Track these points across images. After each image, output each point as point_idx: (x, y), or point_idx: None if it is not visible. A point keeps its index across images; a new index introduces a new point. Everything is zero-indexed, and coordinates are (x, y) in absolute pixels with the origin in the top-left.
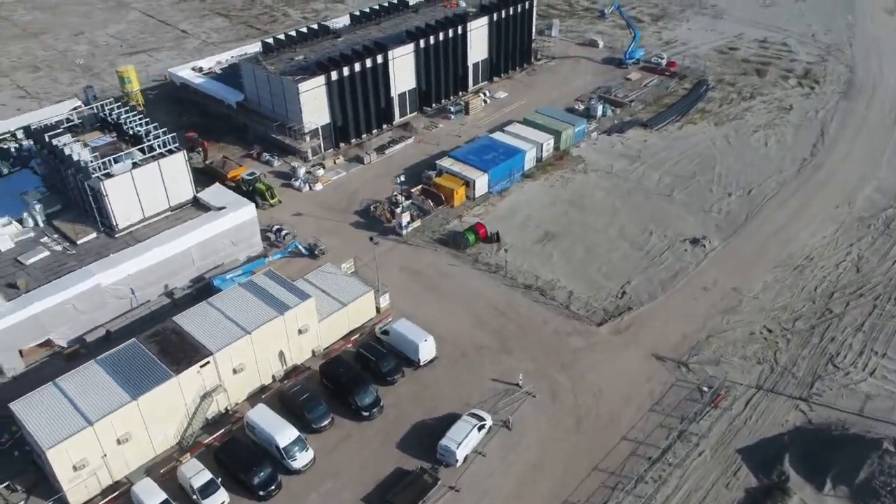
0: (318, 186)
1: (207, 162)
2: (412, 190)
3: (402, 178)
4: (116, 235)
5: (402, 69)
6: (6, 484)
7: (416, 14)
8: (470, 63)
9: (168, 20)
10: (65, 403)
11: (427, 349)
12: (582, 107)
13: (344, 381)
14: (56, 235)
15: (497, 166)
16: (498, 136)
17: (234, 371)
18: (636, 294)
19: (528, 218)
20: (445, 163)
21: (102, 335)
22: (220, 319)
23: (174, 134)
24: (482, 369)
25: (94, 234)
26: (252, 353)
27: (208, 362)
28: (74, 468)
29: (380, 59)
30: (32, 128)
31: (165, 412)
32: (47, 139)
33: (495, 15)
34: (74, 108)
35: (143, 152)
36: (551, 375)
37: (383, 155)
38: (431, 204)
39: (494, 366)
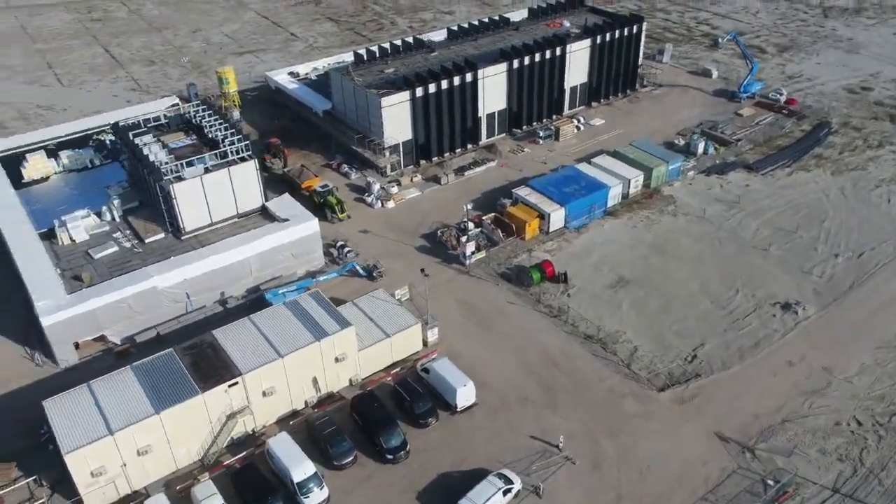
0: (391, 204)
1: (286, 170)
2: (483, 217)
3: (470, 206)
4: (182, 238)
5: (493, 89)
6: (34, 477)
7: (516, 32)
8: (567, 86)
9: (281, 22)
10: (92, 408)
11: (465, 395)
12: (682, 141)
13: (372, 419)
14: (128, 232)
15: (576, 200)
16: (584, 167)
17: (264, 394)
18: (709, 360)
19: (602, 259)
20: (522, 191)
21: (153, 336)
22: (256, 338)
23: (248, 142)
24: (522, 424)
25: (161, 235)
26: (284, 376)
27: (236, 382)
28: (92, 474)
29: (469, 77)
30: (120, 124)
31: (189, 428)
32: (130, 137)
33: (599, 38)
34: (171, 106)
35: (218, 158)
36: (597, 441)
37: (462, 177)
38: (501, 234)
39: (536, 422)
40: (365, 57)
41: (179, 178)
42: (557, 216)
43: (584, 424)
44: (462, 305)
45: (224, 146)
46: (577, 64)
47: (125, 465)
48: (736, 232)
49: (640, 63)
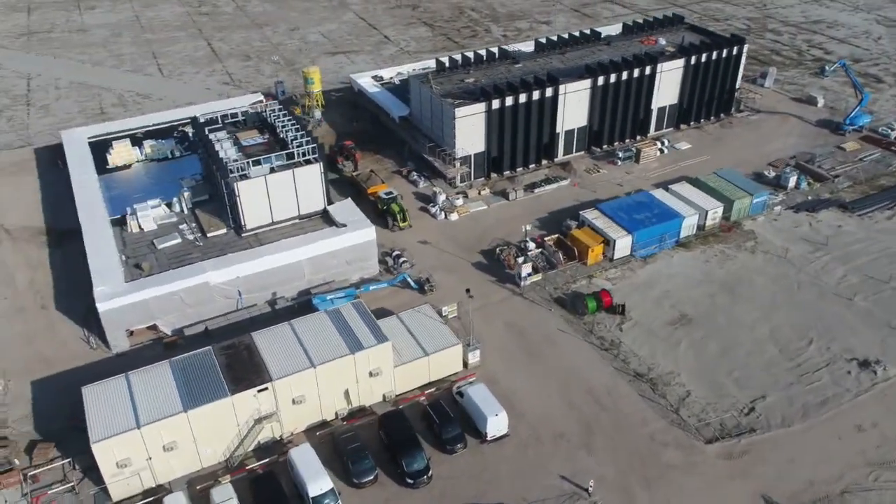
0: (454, 216)
1: (355, 173)
2: (546, 238)
3: (529, 227)
4: (243, 235)
5: (574, 105)
6: (69, 460)
7: (607, 47)
8: (655, 107)
9: (377, 24)
10: (125, 399)
11: (496, 424)
12: (773, 173)
13: (397, 439)
14: (194, 224)
15: (646, 228)
16: (659, 193)
17: (294, 401)
18: (767, 414)
19: (666, 293)
20: (590, 214)
21: (202, 331)
22: (293, 344)
23: (314, 145)
24: (553, 462)
25: (223, 230)
26: (315, 386)
27: (266, 388)
28: (118, 465)
29: (549, 91)
30: (199, 119)
31: (216, 428)
32: (206, 132)
33: (693, 58)
34: (255, 103)
35: (286, 158)
36: (630, 490)
37: (531, 193)
38: (562, 257)
39: (568, 461)
40: (447, 65)
41: (245, 176)
42: (623, 243)
43: (619, 470)
44: (510, 329)
45: (292, 147)
46: (668, 84)
47: (150, 458)
48: (819, 276)
49: (737, 86)
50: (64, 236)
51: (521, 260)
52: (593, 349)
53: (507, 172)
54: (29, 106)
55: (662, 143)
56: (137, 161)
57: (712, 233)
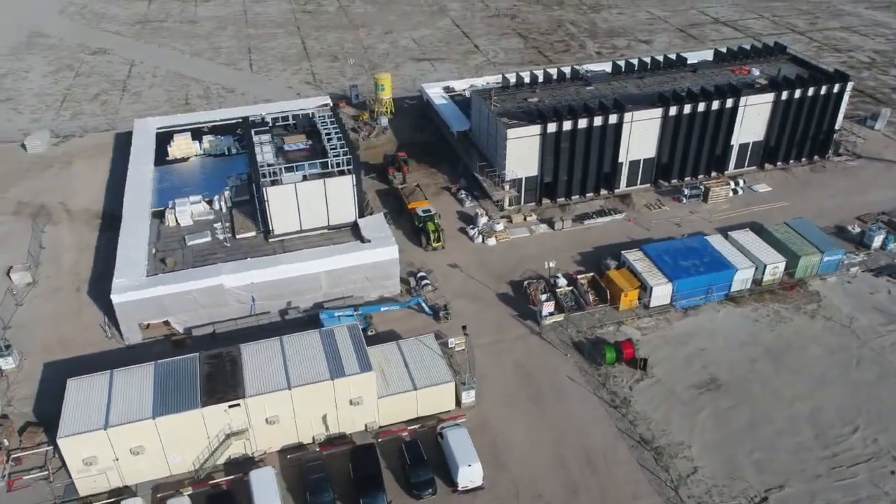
0: (492, 241)
1: (401, 186)
2: (579, 276)
3: (554, 265)
4: (270, 240)
5: (641, 135)
6: (52, 447)
7: (692, 74)
8: (736, 143)
9: (471, 32)
10: (103, 397)
11: (468, 475)
12: (858, 229)
13: (361, 476)
14: (228, 224)
15: (690, 277)
16: (715, 240)
17: (267, 421)
18: None
19: (699, 352)
20: (632, 255)
21: (210, 332)
22: (276, 362)
23: (350, 156)
24: None
25: (252, 233)
26: (290, 407)
27: (238, 404)
28: (84, 462)
29: (613, 119)
30: (250, 119)
31: (185, 438)
32: (252, 133)
33: (785, 93)
34: (321, 106)
35: (319, 167)
36: None
37: (580, 225)
38: (592, 298)
39: None
40: (513, 82)
41: (276, 182)
42: (661, 291)
43: None
44: (519, 370)
45: (329, 156)
46: (753, 119)
47: (117, 460)
48: (885, 354)
49: (837, 127)
50: (116, 221)
51: (543, 297)
52: (601, 405)
53: (561, 199)
54: (124, 92)
55: (737, 183)
56: (196, 155)
57: (770, 290)
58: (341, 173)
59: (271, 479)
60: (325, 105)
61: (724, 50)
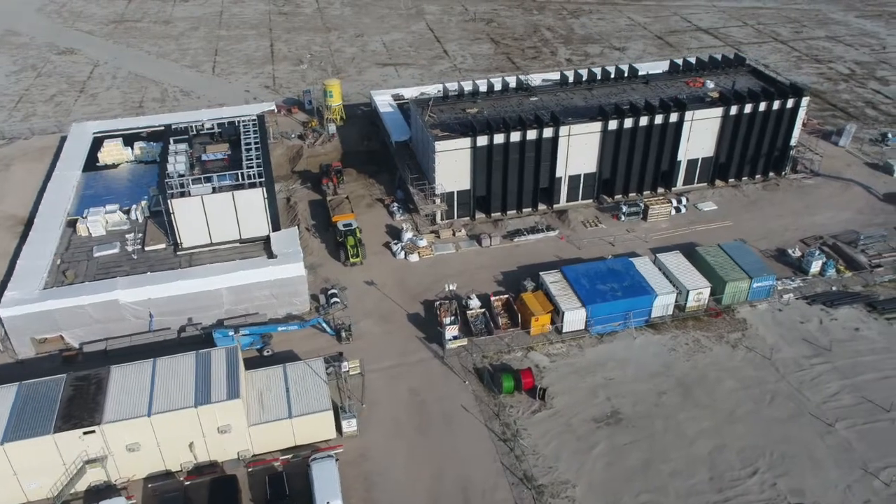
0: (414, 258)
1: (329, 198)
2: (493, 298)
3: (454, 287)
4: (178, 253)
5: (580, 149)
6: None
7: (644, 86)
8: (683, 158)
9: (443, 37)
10: None
11: None
12: (799, 253)
13: None
14: (140, 235)
15: (606, 303)
16: (641, 262)
17: (128, 448)
18: None
19: (606, 383)
20: (549, 277)
21: (101, 349)
22: (143, 386)
23: (261, 169)
24: None
25: (163, 245)
26: (152, 435)
27: (93, 431)
28: None
29: (548, 132)
30: (172, 127)
31: (39, 464)
32: (171, 142)
33: (734, 108)
34: (267, 112)
35: (237, 179)
36: None
37: (510, 242)
38: (503, 322)
39: None
40: (457, 91)
41: (182, 194)
42: (574, 317)
43: None
44: (412, 397)
45: (243, 167)
46: (701, 134)
47: None
48: (803, 389)
49: (793, 143)
50: None
51: (447, 321)
52: (490, 437)
53: (496, 215)
54: (81, 93)
55: (679, 201)
56: (127, 162)
57: (695, 315)
58: (252, 185)
59: None
60: (270, 111)
61: (691, 60)
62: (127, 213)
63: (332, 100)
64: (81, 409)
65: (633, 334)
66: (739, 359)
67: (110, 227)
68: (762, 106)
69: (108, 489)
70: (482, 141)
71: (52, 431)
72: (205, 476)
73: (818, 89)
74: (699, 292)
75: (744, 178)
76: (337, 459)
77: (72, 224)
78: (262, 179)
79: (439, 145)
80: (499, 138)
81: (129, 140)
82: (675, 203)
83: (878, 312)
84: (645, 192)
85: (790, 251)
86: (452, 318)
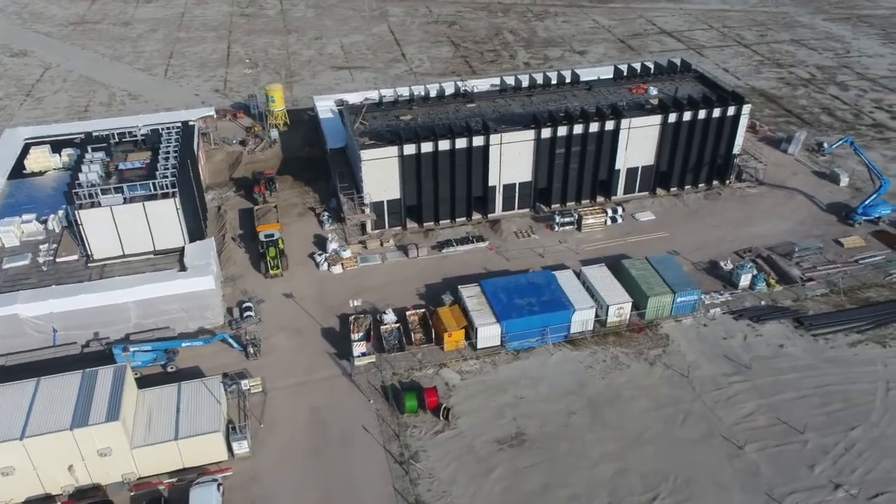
0: (337, 269)
1: (256, 207)
2: (407, 312)
3: (358, 302)
4: (89, 265)
5: (514, 158)
6: None
7: (587, 93)
8: (623, 167)
9: (402, 40)
10: None
11: None
12: (729, 267)
13: None
14: (55, 246)
15: (522, 318)
16: (564, 276)
17: (2, 472)
18: None
19: (515, 402)
20: (468, 291)
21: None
22: (21, 407)
23: (173, 179)
24: None
25: (75, 257)
26: (26, 458)
27: None
28: None
29: (478, 141)
30: (94, 135)
31: None
32: (88, 149)
33: (673, 116)
34: (204, 117)
35: (152, 188)
36: None
37: (438, 253)
38: (417, 337)
39: None
40: (391, 97)
41: (93, 205)
42: (487, 333)
43: None
44: (313, 416)
45: (157, 177)
46: (640, 142)
47: None
48: (716, 410)
49: (736, 152)
50: None
51: (354, 336)
52: (387, 459)
53: (429, 224)
54: (27, 97)
55: (615, 211)
56: (54, 169)
57: (617, 331)
58: (165, 196)
59: None
60: (209, 116)
61: (636, 66)
62: (44, 222)
63: (274, 104)
64: None
65: (550, 350)
66: (657, 377)
67: (25, 237)
68: (702, 113)
69: None
70: (410, 149)
71: None
72: (85, 500)
73: (775, 94)
74: (620, 307)
75: (687, 187)
76: (220, 484)
77: None
78: (175, 190)
79: (365, 154)
80: (427, 147)
81: (61, 147)
82: (610, 213)
83: (805, 329)
84: (584, 202)
85: (722, 264)
86: (362, 333)
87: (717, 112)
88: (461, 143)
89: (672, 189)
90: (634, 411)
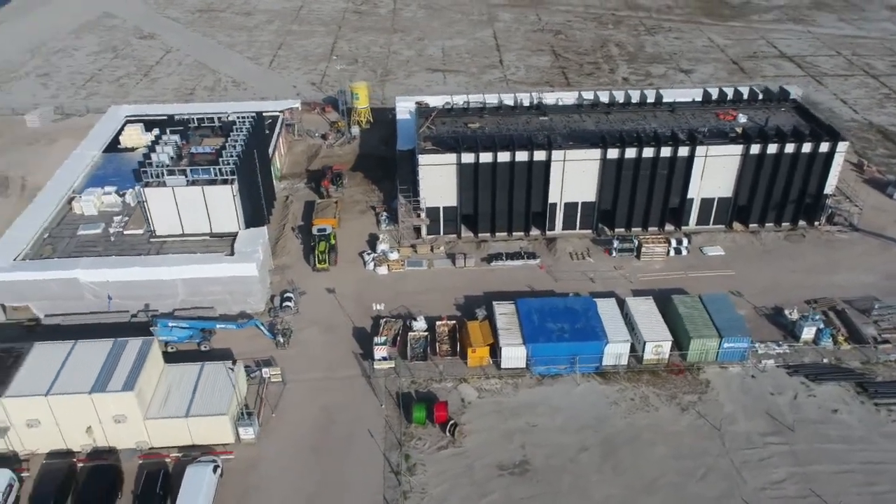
0: (382, 270)
1: (317, 202)
2: (437, 322)
3: (381, 307)
4: (152, 239)
5: (577, 176)
6: None
7: (669, 114)
8: (696, 196)
9: (504, 46)
10: None
11: None
12: (794, 316)
13: (79, 499)
14: (126, 219)
15: (550, 343)
16: (606, 305)
17: (28, 424)
18: None
19: (529, 430)
20: (501, 308)
21: (56, 324)
22: (55, 366)
23: (234, 167)
24: None
25: (140, 231)
26: (51, 415)
27: None
28: None
29: (539, 155)
30: (176, 118)
31: None
32: (167, 132)
33: (756, 146)
34: (288, 109)
35: (213, 174)
36: None
37: (486, 265)
38: (443, 349)
39: None
40: (463, 104)
41: (160, 184)
42: (512, 354)
43: None
44: (323, 413)
45: (219, 164)
46: (718, 172)
47: None
48: (743, 470)
49: (828, 192)
50: None
51: (376, 340)
52: (384, 468)
53: (485, 235)
54: (144, 77)
55: (681, 242)
56: (144, 146)
57: (652, 369)
58: (224, 182)
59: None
60: (293, 109)
61: (727, 91)
62: (123, 196)
63: (358, 102)
64: None
65: (577, 380)
66: (685, 424)
67: (104, 207)
68: (790, 147)
69: (12, 459)
70: (468, 158)
71: None
72: (101, 460)
73: (894, 132)
74: (658, 345)
75: (768, 225)
76: (218, 466)
77: (71, 201)
78: (234, 177)
79: (423, 158)
80: (486, 157)
81: (154, 126)
82: (674, 243)
83: (868, 396)
84: (651, 228)
85: (787, 312)
86: (386, 338)
87: (807, 147)
88: (521, 156)
89: (751, 225)
90: (651, 457)
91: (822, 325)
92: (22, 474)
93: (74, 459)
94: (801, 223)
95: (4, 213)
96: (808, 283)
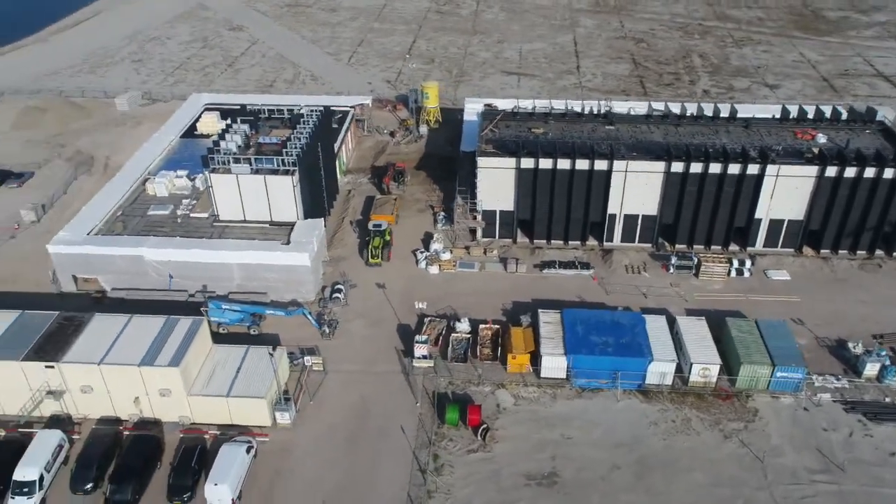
0: (434, 269)
1: (377, 197)
2: (481, 325)
3: (424, 305)
4: (215, 224)
5: (639, 188)
6: None
7: (743, 130)
8: (765, 217)
9: (583, 52)
10: None
11: (214, 494)
12: (859, 350)
13: (122, 463)
14: (195, 201)
15: (591, 356)
16: (655, 322)
17: (82, 389)
18: None
19: (563, 441)
20: (546, 316)
21: (121, 297)
22: (110, 336)
23: (296, 159)
24: None
25: (205, 215)
26: (102, 383)
27: (52, 366)
28: None
29: (600, 165)
30: (248, 108)
31: (8, 385)
32: (238, 121)
33: (832, 169)
34: (358, 105)
35: (276, 164)
36: None
37: (537, 272)
38: (484, 352)
39: None
40: (529, 111)
41: (227, 171)
42: (552, 364)
43: None
44: (360, 405)
45: (283, 155)
46: (789, 194)
47: None
48: None
49: None
50: None
51: (417, 339)
52: (412, 465)
53: (540, 241)
54: (229, 67)
55: (743, 263)
56: (219, 133)
57: (698, 393)
58: (286, 173)
59: (45, 443)
60: (363, 105)
61: (807, 109)
62: (193, 180)
63: (427, 101)
64: (55, 345)
65: (617, 396)
66: (726, 452)
67: (175, 190)
68: (870, 171)
69: (66, 421)
70: (527, 163)
71: (21, 359)
72: (145, 430)
73: None
74: (705, 368)
75: (842, 252)
76: (252, 447)
77: (145, 182)
78: (295, 169)
79: (482, 161)
80: (546, 163)
81: (230, 115)
82: (736, 264)
83: None
84: (715, 247)
85: (851, 345)
86: (426, 336)
87: (889, 172)
88: (582, 164)
89: (823, 251)
90: (686, 483)
91: (887, 362)
92: (73, 436)
93: (121, 427)
94: (879, 252)
95: (88, 190)
96: (877, 317)
